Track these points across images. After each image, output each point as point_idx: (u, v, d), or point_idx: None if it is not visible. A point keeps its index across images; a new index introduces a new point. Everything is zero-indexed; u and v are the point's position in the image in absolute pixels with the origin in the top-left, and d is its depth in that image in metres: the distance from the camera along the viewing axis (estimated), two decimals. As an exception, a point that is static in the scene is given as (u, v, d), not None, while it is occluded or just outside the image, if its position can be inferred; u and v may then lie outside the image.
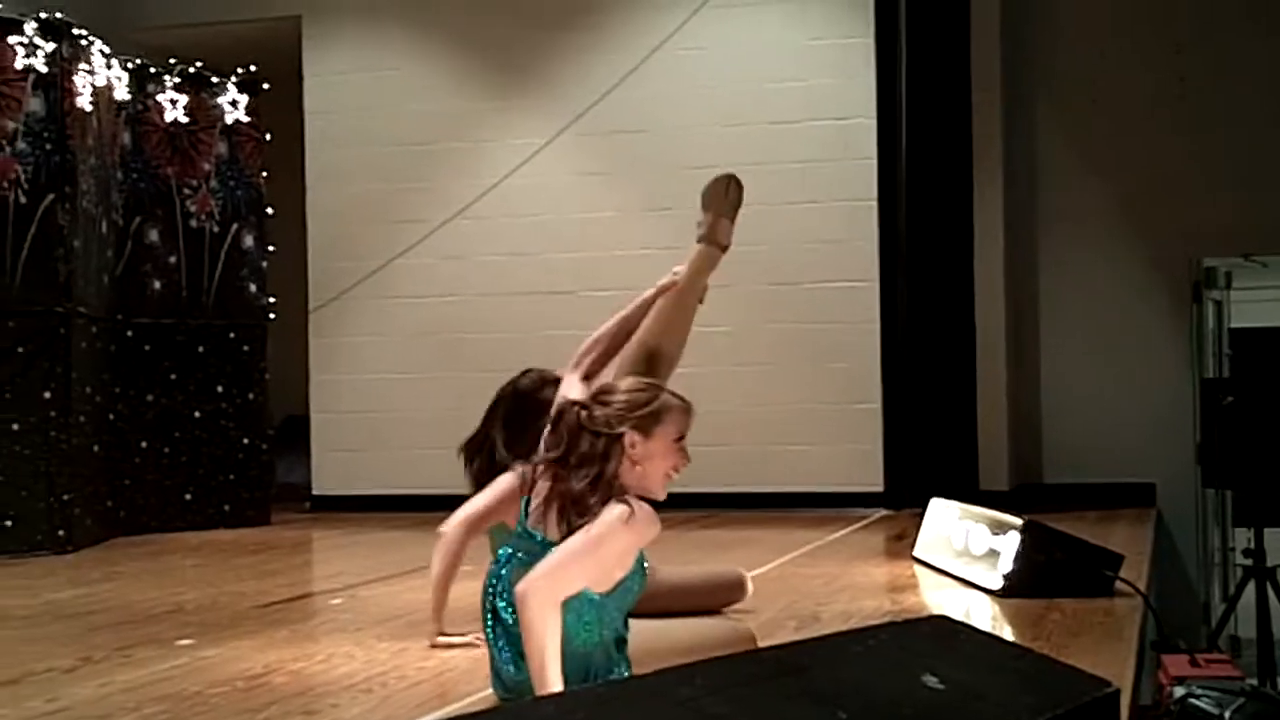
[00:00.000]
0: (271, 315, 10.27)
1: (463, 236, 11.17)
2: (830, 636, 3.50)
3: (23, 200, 8.52)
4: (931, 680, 2.97)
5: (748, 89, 10.74)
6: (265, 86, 10.30)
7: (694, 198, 10.69)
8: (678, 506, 10.68)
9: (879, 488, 10.38)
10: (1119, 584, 5.97)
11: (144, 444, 9.62)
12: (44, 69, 8.61)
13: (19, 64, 8.55)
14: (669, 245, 10.86)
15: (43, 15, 8.65)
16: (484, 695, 4.18)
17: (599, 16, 11.05)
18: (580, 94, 10.98)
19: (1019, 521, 6.16)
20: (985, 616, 5.71)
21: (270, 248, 10.38)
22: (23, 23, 8.58)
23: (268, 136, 10.34)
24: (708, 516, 9.77)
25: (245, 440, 10.01)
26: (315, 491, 11.19)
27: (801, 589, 6.43)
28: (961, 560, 6.63)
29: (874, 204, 10.51)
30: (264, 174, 10.30)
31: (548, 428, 4.11)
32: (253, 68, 10.25)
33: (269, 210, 10.36)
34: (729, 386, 10.55)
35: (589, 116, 10.94)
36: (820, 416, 10.50)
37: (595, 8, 11.07)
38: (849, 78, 10.59)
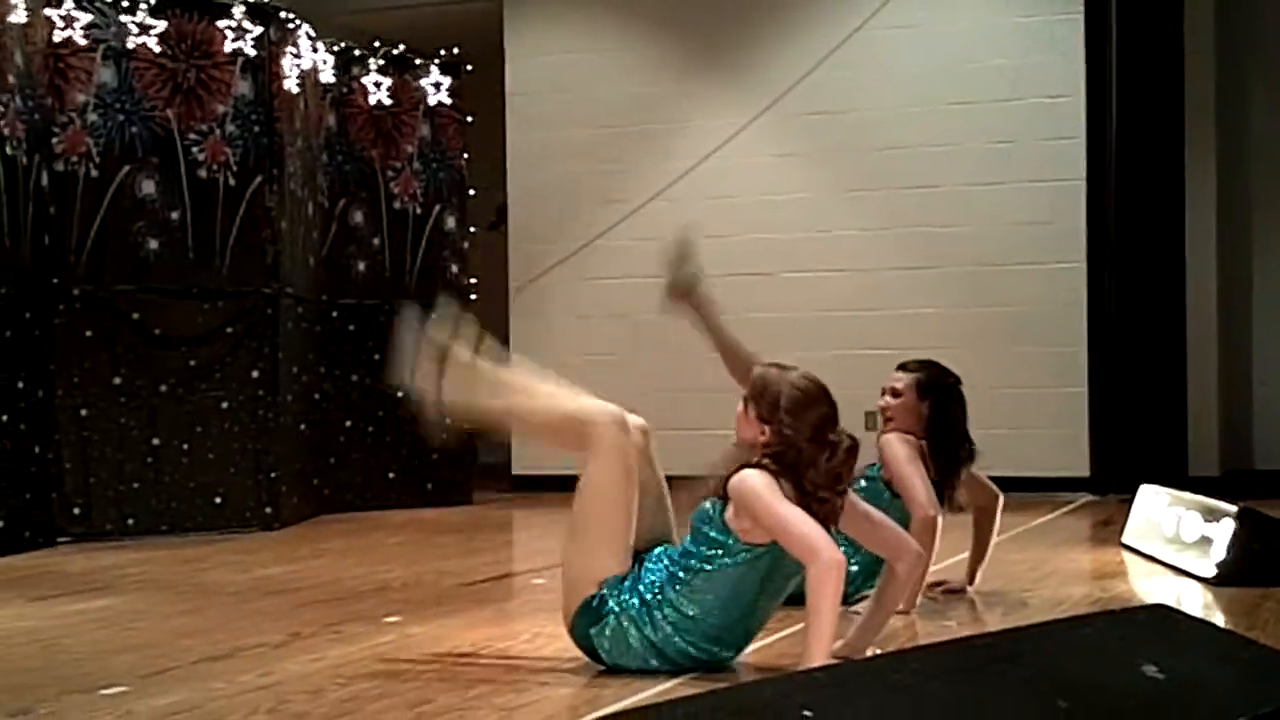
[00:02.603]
0: (473, 296, 10.35)
1: (659, 218, 11.15)
2: (1045, 624, 3.41)
3: (232, 183, 8.68)
4: (1152, 670, 2.88)
5: (951, 69, 10.57)
6: (467, 68, 10.38)
7: (895, 179, 10.70)
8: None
9: (1085, 473, 10.17)
10: (1337, 574, 5.78)
11: (348, 423, 9.77)
12: (252, 53, 8.76)
13: (228, 48, 8.71)
14: (868, 227, 10.79)
15: (250, 0, 8.80)
16: (692, 677, 4.15)
17: (796, -2, 10.96)
18: (779, 76, 10.90)
19: (1233, 508, 6.01)
20: (1197, 604, 5.56)
21: (471, 229, 10.47)
22: (231, 7, 8.74)
23: (469, 118, 10.43)
24: (909, 500, 9.64)
25: (448, 420, 10.10)
26: (515, 471, 11.28)
27: (1008, 574, 6.30)
28: (1172, 547, 6.48)
29: (1082, 184, 10.29)
30: (465, 155, 10.39)
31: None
32: (455, 50, 10.34)
33: (471, 191, 10.45)
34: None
35: (788, 98, 10.86)
36: (1025, 400, 10.31)
37: (793, -12, 10.98)
38: (1057, 55, 10.36)
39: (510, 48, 11.59)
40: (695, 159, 11.08)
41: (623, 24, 11.44)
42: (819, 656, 3.92)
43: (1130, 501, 7.33)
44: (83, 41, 8.32)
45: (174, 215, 8.54)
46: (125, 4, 8.44)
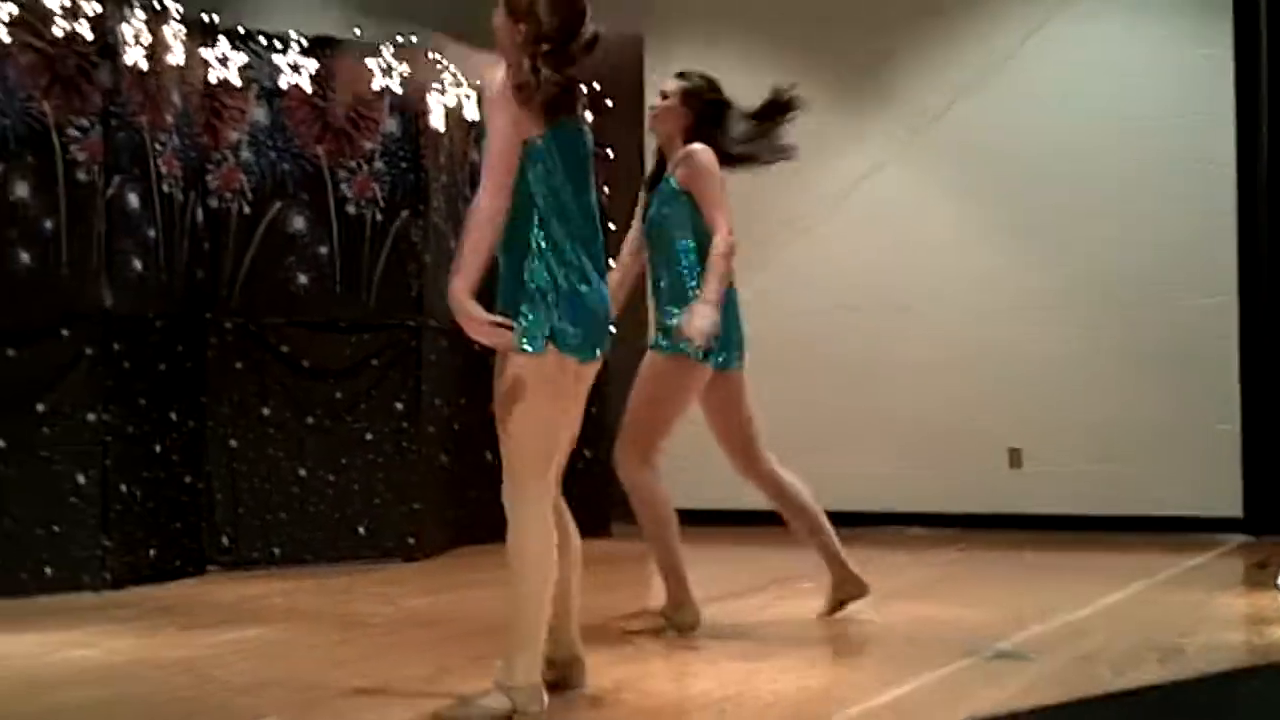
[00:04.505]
0: (611, 329, 10.34)
1: (797, 251, 11.12)
2: (1208, 677, 3.34)
3: (379, 218, 8.80)
4: (1324, 728, 2.82)
5: (1097, 95, 10.42)
6: (608, 103, 10.43)
7: (1040, 209, 10.56)
8: (1015, 527, 10.42)
9: (1238, 513, 9.92)
10: None
11: (488, 455, 9.78)
12: (400, 91, 8.88)
13: (376, 85, 8.84)
14: (1016, 257, 10.66)
15: (399, 39, 8.93)
16: (844, 716, 4.11)
17: (942, 27, 10.86)
18: (921, 105, 10.82)
19: (1396, 553, 5.86)
20: (1360, 653, 5.41)
21: (610, 262, 10.48)
22: (380, 46, 8.87)
23: (609, 152, 10.47)
24: (1052, 540, 9.51)
25: (586, 453, 10.12)
26: (654, 504, 11.25)
27: (1159, 619, 6.19)
28: (1331, 592, 6.33)
29: (1233, 211, 10.08)
30: (605, 189, 10.42)
31: None
32: (595, 85, 10.39)
33: (610, 225, 10.47)
34: (1070, 404, 10.27)
35: (930, 128, 10.78)
36: (1172, 436, 10.10)
37: (938, 19, 10.87)
38: (1205, 80, 10.16)
39: (650, 82, 11.61)
40: (837, 191, 11.04)
41: (762, 58, 11.41)
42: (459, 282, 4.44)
43: (1286, 543, 7.18)
44: (237, 82, 8.48)
45: (323, 250, 8.68)
46: (278, 45, 8.61)
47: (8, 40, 7.29)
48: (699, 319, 5.76)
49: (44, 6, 7.38)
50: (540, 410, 4.43)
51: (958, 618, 6.35)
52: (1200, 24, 10.26)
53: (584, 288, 4.49)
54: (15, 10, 7.30)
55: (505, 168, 4.37)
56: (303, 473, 8.61)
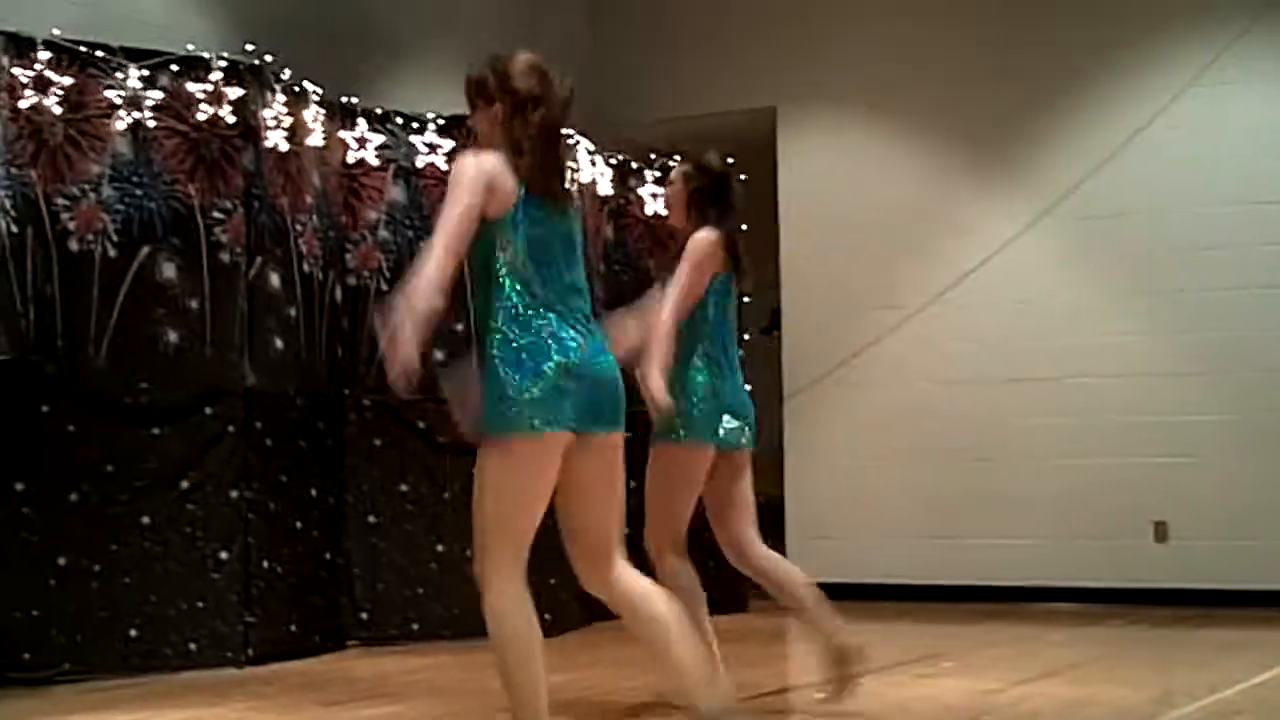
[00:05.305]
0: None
1: (934, 322, 11.05)
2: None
3: (514, 294, 8.85)
4: None
5: (1233, 168, 10.27)
6: (742, 177, 10.42)
7: (1179, 280, 10.38)
8: (1161, 602, 10.20)
9: (1405, 584, 9.68)
10: None
11: (627, 531, 9.79)
12: (532, 166, 8.95)
13: (511, 163, 8.91)
14: (1154, 329, 10.50)
15: (530, 116, 9.00)
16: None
17: (1075, 98, 10.75)
18: (1056, 178, 10.72)
19: None
20: None
21: (745, 335, 10.47)
22: (513, 124, 8.95)
23: (744, 226, 10.45)
24: (1200, 616, 9.31)
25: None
26: (790, 578, 11.18)
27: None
28: None
29: (1380, 286, 9.90)
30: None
31: None
32: (729, 159, 10.40)
33: (745, 297, 10.45)
34: (1214, 476, 10.08)
35: (1065, 201, 10.68)
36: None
37: (1071, 89, 10.77)
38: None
39: (783, 155, 11.64)
40: (971, 264, 10.95)
41: (895, 128, 11.40)
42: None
43: None
44: (375, 162, 8.62)
45: (459, 327, 8.74)
46: (415, 125, 8.73)
47: (153, 125, 7.48)
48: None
49: (188, 92, 7.58)
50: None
51: (1105, 696, 6.22)
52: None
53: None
54: (160, 96, 7.49)
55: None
56: (440, 548, 8.64)
